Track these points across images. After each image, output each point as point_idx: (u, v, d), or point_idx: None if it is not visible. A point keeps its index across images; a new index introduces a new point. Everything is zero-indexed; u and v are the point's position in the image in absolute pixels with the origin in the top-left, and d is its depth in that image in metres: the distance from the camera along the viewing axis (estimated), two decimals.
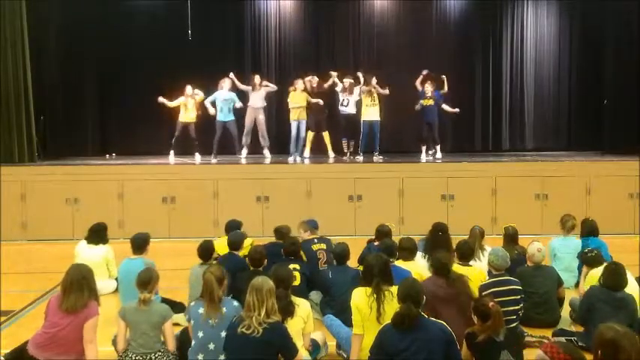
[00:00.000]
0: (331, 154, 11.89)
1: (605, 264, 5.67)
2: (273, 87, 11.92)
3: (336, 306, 5.66)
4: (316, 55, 14.14)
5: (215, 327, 4.52)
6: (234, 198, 10.39)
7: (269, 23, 14.15)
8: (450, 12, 14.34)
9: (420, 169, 11.16)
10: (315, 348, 5.03)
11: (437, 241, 6.48)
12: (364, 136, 11.64)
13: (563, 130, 14.55)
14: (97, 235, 7.22)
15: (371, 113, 11.58)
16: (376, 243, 6.91)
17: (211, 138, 11.64)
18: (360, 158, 11.62)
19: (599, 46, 13.56)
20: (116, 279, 6.99)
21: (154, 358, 4.69)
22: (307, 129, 11.75)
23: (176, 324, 5.26)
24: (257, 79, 11.65)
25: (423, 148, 12.18)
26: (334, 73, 11.75)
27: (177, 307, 5.75)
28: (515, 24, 14.42)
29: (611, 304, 5.11)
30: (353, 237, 8.93)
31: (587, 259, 6.14)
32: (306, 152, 11.77)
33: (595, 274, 5.69)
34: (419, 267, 6.04)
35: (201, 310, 4.58)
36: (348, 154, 11.86)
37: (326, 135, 11.86)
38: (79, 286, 4.61)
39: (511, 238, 7.03)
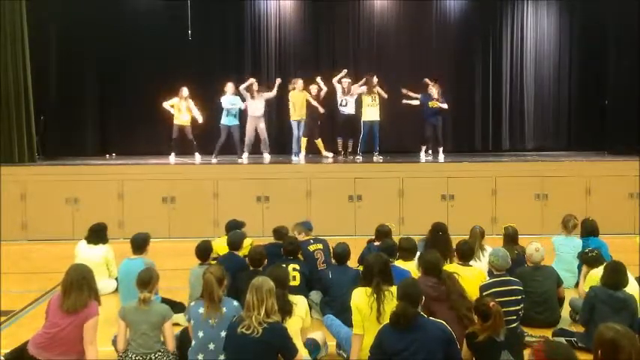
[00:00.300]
0: (327, 154, 11.90)
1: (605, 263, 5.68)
2: (271, 94, 11.82)
3: (336, 306, 5.66)
4: (316, 55, 14.14)
5: (215, 327, 4.52)
6: (234, 198, 10.39)
7: (269, 23, 14.14)
8: (450, 12, 14.33)
9: (420, 169, 11.16)
10: (315, 348, 5.03)
11: (436, 241, 6.48)
12: (364, 137, 11.65)
13: (563, 130, 14.55)
14: (97, 235, 7.22)
15: (371, 113, 11.58)
16: (376, 243, 6.91)
17: (213, 139, 11.64)
18: (360, 158, 11.62)
19: (600, 46, 13.56)
20: (116, 279, 7.00)
21: (153, 358, 4.69)
22: (302, 133, 11.76)
23: (176, 324, 5.27)
24: (255, 86, 11.56)
25: (423, 148, 12.19)
26: (345, 71, 11.77)
27: (177, 307, 5.76)
28: (515, 24, 14.42)
29: (612, 305, 5.11)
30: (353, 237, 8.92)
31: (588, 259, 6.14)
32: (302, 156, 11.74)
33: (595, 274, 5.70)
34: None
35: (201, 310, 4.58)
36: (343, 152, 11.87)
37: (319, 142, 11.87)
38: (79, 286, 4.61)
39: (511, 238, 7.03)
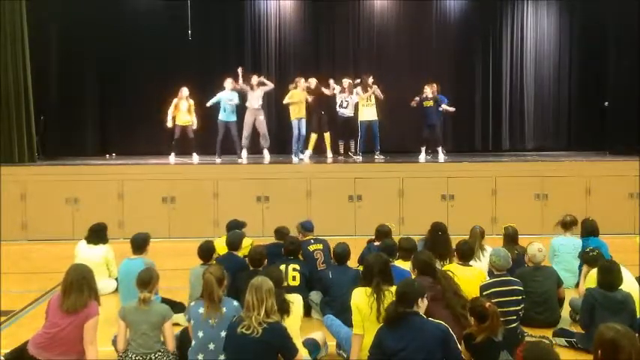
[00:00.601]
0: (329, 153, 11.91)
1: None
2: (270, 85, 11.84)
3: (336, 306, 5.65)
4: (316, 55, 14.15)
5: (215, 327, 4.52)
6: (234, 198, 10.39)
7: (269, 23, 14.14)
8: (450, 12, 14.33)
9: (420, 169, 11.16)
10: (315, 348, 5.04)
11: (436, 240, 6.48)
12: (362, 136, 11.67)
13: (563, 130, 14.54)
14: (97, 235, 7.22)
15: (367, 113, 11.61)
16: (376, 243, 6.91)
17: (213, 138, 11.65)
18: (360, 158, 11.62)
19: (600, 46, 13.55)
20: (116, 279, 6.99)
21: (153, 358, 4.69)
22: (310, 130, 11.76)
23: (176, 324, 5.27)
24: (254, 79, 11.59)
25: (423, 149, 12.19)
26: (332, 83, 11.81)
27: (177, 307, 5.75)
28: (515, 24, 14.42)
29: (610, 307, 5.09)
30: (353, 237, 8.92)
31: (588, 259, 6.13)
32: (307, 154, 11.75)
33: (595, 274, 5.69)
34: None
35: (201, 310, 4.58)
36: (345, 154, 11.89)
37: (327, 136, 11.88)
38: (79, 286, 4.61)
39: (511, 238, 7.03)
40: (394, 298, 4.37)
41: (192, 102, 11.52)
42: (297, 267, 6.20)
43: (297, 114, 11.68)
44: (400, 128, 13.46)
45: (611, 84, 13.26)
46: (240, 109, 11.69)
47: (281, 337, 4.23)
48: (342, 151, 11.96)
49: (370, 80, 11.56)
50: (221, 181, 10.65)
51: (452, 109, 12.22)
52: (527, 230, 8.37)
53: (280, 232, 7.07)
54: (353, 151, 11.91)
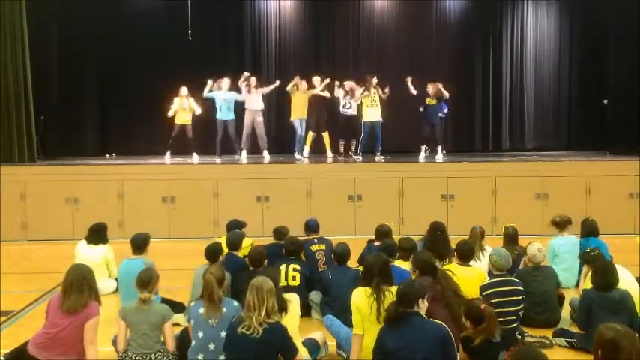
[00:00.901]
0: (329, 153, 11.91)
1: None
2: (268, 89, 11.85)
3: (336, 306, 5.65)
4: (316, 55, 14.15)
5: (215, 327, 4.52)
6: (234, 198, 10.39)
7: (269, 23, 14.15)
8: (450, 12, 14.34)
9: (420, 169, 11.16)
10: (315, 348, 5.03)
11: (435, 240, 6.48)
12: (365, 137, 11.66)
13: (563, 130, 14.55)
14: (97, 235, 7.22)
15: (372, 114, 11.59)
16: (376, 243, 6.91)
17: (213, 138, 11.65)
18: (360, 158, 11.62)
19: (600, 46, 13.56)
20: (116, 279, 6.99)
21: (153, 358, 4.69)
22: (308, 129, 11.77)
23: (176, 324, 5.27)
24: (253, 81, 11.59)
25: (423, 148, 12.19)
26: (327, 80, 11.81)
27: (177, 307, 5.75)
28: (515, 24, 14.43)
29: (608, 308, 5.09)
30: (353, 237, 8.91)
31: (589, 259, 6.14)
32: (306, 151, 11.77)
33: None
34: None
35: (201, 310, 4.58)
36: (345, 154, 11.89)
37: (326, 136, 11.88)
38: (79, 286, 4.61)
39: (511, 238, 7.04)
40: (394, 298, 4.37)
41: (191, 99, 11.52)
42: (298, 267, 6.20)
43: (298, 114, 11.68)
44: (400, 128, 13.45)
45: (611, 84, 13.27)
46: (240, 110, 11.69)
47: (281, 337, 4.23)
48: (342, 150, 11.95)
49: (374, 80, 11.56)
50: (221, 181, 10.65)
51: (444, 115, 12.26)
52: (527, 230, 8.36)
53: (279, 232, 7.07)
54: (353, 150, 11.92)
